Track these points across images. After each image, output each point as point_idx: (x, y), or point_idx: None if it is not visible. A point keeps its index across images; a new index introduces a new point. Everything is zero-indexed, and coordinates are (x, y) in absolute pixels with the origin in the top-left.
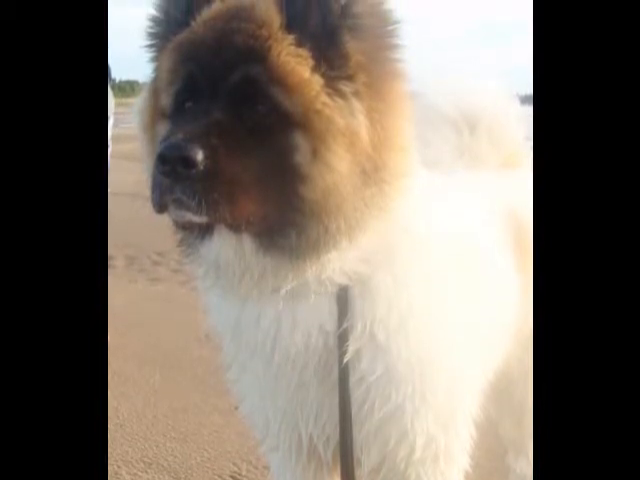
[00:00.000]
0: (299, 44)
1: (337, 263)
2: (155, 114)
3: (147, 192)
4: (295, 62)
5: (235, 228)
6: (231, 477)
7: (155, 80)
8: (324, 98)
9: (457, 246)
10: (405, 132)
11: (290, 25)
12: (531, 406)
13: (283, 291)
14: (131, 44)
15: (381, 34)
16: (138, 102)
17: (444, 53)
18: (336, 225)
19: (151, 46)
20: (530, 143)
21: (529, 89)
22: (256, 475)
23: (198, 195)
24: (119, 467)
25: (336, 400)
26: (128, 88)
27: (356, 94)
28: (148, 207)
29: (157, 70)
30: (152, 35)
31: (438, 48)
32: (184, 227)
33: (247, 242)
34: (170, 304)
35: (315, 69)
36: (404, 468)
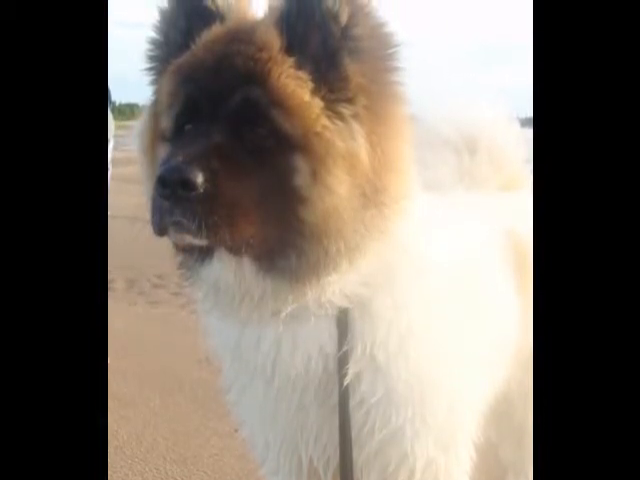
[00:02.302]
0: (299, 67)
1: (337, 286)
2: (155, 137)
3: (147, 215)
4: (295, 85)
5: (235, 251)
6: None
7: (155, 103)
8: (324, 121)
9: (457, 268)
10: (405, 155)
11: (290, 48)
12: (531, 428)
13: (283, 314)
14: (131, 67)
15: (381, 57)
16: (138, 125)
17: (444, 75)
18: (336, 248)
19: (151, 69)
20: (530, 165)
21: (529, 112)
22: None
23: (198, 218)
24: None
25: (336, 422)
26: (128, 111)
27: (356, 117)
28: (148, 230)
29: (157, 93)
30: (152, 58)
31: (438, 70)
32: (184, 250)
33: (247, 265)
34: (170, 327)
35: (315, 92)
36: None
